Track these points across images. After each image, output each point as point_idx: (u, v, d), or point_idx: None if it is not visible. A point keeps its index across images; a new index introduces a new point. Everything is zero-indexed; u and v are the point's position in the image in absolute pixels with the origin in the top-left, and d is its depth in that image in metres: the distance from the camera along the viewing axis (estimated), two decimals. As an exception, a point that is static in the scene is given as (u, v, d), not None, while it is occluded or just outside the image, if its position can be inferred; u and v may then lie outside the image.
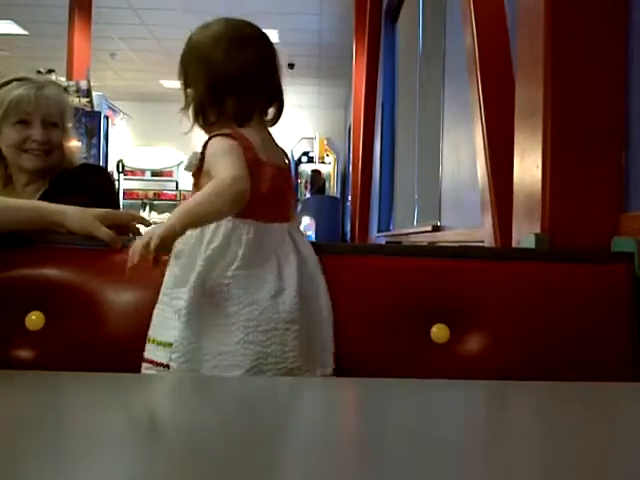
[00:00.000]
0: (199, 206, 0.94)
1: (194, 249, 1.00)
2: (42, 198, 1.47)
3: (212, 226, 0.99)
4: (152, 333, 1.02)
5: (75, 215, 1.13)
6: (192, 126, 1.11)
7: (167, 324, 0.99)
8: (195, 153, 1.04)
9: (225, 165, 0.97)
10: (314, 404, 0.72)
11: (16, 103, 1.47)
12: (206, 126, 1.09)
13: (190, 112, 1.10)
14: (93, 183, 1.58)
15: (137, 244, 0.93)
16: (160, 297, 1.03)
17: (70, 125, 1.59)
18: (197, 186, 1.04)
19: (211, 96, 1.07)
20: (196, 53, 1.09)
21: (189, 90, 1.09)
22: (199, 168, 1.03)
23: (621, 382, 1.03)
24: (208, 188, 0.94)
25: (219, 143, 1.02)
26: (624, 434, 0.59)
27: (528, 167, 1.38)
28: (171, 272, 1.03)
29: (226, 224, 0.99)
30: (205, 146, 1.03)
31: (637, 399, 0.78)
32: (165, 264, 1.02)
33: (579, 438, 0.56)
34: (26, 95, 1.48)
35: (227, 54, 1.07)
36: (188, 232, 0.96)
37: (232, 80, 1.06)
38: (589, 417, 0.65)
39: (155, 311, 1.03)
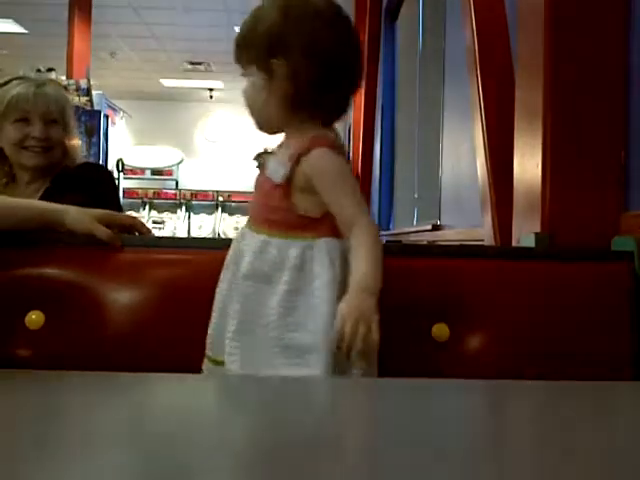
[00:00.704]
0: (379, 260, 0.86)
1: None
2: (44, 196, 1.48)
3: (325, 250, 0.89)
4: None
5: (76, 215, 1.13)
6: (273, 125, 0.93)
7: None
8: (276, 158, 0.90)
9: (354, 199, 0.88)
10: (316, 404, 0.72)
11: (15, 101, 1.48)
12: (291, 125, 0.92)
13: (262, 103, 0.91)
14: (94, 182, 1.58)
15: (354, 336, 0.80)
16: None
17: (71, 123, 1.59)
18: (286, 198, 0.89)
19: (318, 85, 0.89)
20: (296, 27, 0.89)
21: (277, 73, 0.89)
22: (288, 179, 0.88)
23: (622, 381, 1.03)
24: (369, 238, 0.87)
25: (334, 162, 0.89)
26: (624, 433, 0.59)
27: (528, 166, 1.37)
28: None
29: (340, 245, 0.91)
30: (301, 155, 0.88)
31: (637, 398, 0.78)
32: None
33: (579, 438, 0.56)
34: (25, 93, 1.49)
35: (339, 34, 0.91)
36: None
37: (346, 67, 0.91)
38: (589, 417, 0.65)
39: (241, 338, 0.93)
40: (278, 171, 0.89)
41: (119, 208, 1.66)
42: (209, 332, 1.00)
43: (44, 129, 1.50)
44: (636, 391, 0.84)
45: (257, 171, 0.98)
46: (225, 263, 0.98)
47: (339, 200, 0.89)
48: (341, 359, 0.86)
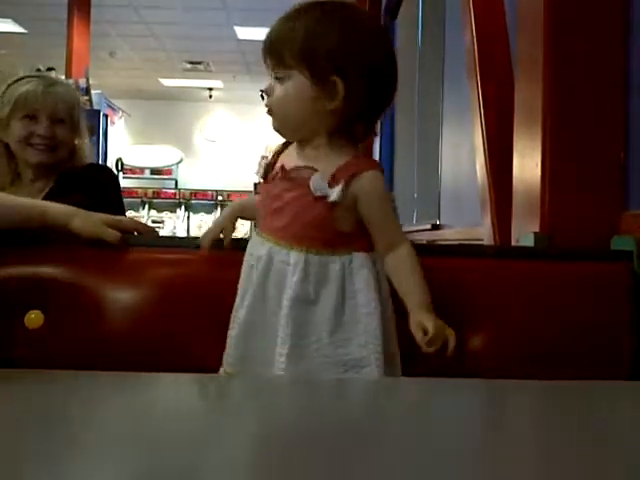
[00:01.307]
0: (423, 279, 0.94)
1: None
2: (48, 195, 1.48)
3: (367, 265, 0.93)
4: None
5: (83, 219, 1.13)
6: (305, 135, 0.92)
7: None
8: (318, 174, 0.88)
9: (397, 223, 0.96)
10: (316, 404, 0.72)
11: (24, 98, 1.50)
12: (328, 139, 0.91)
13: (304, 112, 0.90)
14: (99, 183, 1.59)
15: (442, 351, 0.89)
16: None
17: (81, 123, 1.60)
18: (330, 215, 0.89)
19: (370, 104, 0.90)
20: (357, 47, 0.88)
21: (334, 90, 0.88)
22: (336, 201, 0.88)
23: (621, 380, 1.03)
24: (415, 259, 0.94)
25: (383, 186, 0.92)
26: (623, 433, 0.59)
27: (527, 166, 1.38)
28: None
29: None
30: (354, 175, 0.88)
31: (637, 397, 0.78)
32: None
33: (578, 438, 0.56)
34: (33, 91, 1.50)
35: (388, 52, 0.94)
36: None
37: (393, 84, 0.93)
38: (589, 416, 0.65)
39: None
40: (324, 188, 0.88)
41: (122, 211, 1.66)
42: (231, 350, 0.97)
43: (50, 127, 1.51)
44: (636, 390, 0.84)
45: (257, 173, 0.97)
46: (250, 281, 0.94)
47: (386, 223, 0.94)
48: (391, 372, 0.92)
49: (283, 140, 0.99)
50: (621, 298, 1.14)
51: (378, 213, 0.93)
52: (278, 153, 0.99)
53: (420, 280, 0.94)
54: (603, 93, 1.30)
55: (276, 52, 0.91)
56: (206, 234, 1.11)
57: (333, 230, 0.91)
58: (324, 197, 0.88)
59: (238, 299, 0.98)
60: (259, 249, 0.94)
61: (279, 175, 0.93)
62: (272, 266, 0.92)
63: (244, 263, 0.98)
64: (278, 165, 0.95)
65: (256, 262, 0.94)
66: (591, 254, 1.21)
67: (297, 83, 0.89)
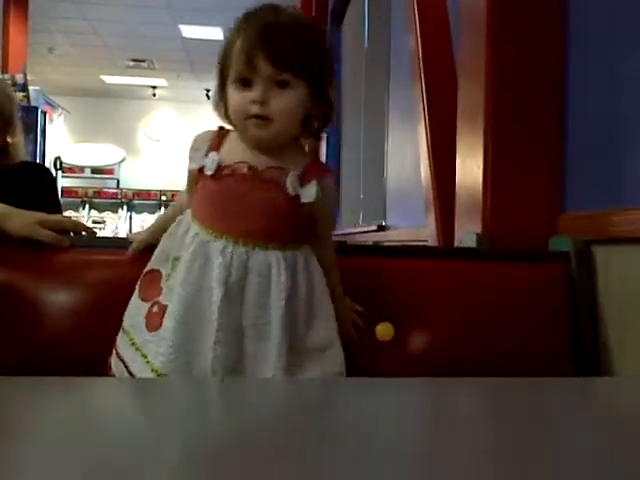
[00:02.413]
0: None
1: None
2: None
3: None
4: None
5: (17, 220, 1.08)
6: (287, 140, 0.94)
7: None
8: (291, 174, 0.91)
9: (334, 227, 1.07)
10: (259, 404, 0.71)
11: None
12: (302, 144, 0.97)
13: (296, 119, 0.92)
14: (32, 182, 1.53)
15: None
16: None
17: (13, 120, 1.53)
18: (302, 214, 0.93)
19: (326, 101, 0.95)
20: (331, 56, 0.97)
21: (326, 98, 0.94)
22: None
23: (557, 377, 1.06)
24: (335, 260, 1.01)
25: (335, 193, 1.00)
26: (557, 429, 0.60)
27: (470, 168, 1.40)
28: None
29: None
30: (320, 177, 0.93)
31: (571, 394, 0.80)
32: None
33: (515, 434, 0.57)
34: None
35: (330, 53, 0.99)
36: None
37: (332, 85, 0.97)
38: (526, 412, 0.67)
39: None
40: (297, 187, 0.91)
41: (59, 210, 1.61)
42: (213, 357, 0.90)
43: None
44: (570, 387, 0.86)
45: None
46: (216, 281, 0.90)
47: (330, 228, 1.04)
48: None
49: (206, 132, 0.99)
50: (558, 297, 1.18)
51: (329, 219, 1.00)
52: (217, 146, 0.96)
53: (337, 275, 1.02)
54: (542, 96, 1.34)
55: (288, 58, 0.89)
56: (135, 246, 1.09)
57: (300, 228, 0.95)
58: (297, 196, 0.91)
59: (183, 305, 0.91)
60: (223, 250, 0.91)
61: (241, 172, 0.92)
62: (250, 269, 0.91)
63: (189, 262, 0.93)
64: (230, 160, 0.93)
65: (222, 265, 0.91)
66: (530, 255, 1.24)
67: (301, 92, 0.91)
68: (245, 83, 0.90)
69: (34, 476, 0.42)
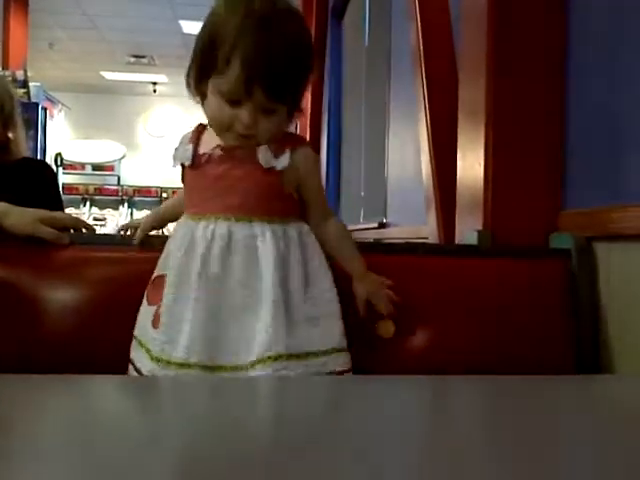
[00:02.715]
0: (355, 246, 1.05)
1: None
2: None
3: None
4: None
5: (17, 217, 1.08)
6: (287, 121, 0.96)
7: None
8: (261, 149, 0.93)
9: (325, 197, 1.05)
10: (255, 403, 0.71)
11: None
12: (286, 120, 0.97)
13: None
14: (34, 178, 1.52)
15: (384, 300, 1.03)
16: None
17: (13, 116, 1.53)
18: (283, 185, 0.95)
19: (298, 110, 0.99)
20: (312, 61, 0.98)
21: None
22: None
23: (558, 375, 1.06)
24: (346, 230, 1.06)
25: (316, 159, 1.03)
26: (557, 427, 0.60)
27: (470, 165, 1.40)
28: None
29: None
30: (294, 148, 0.95)
31: (571, 392, 0.80)
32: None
33: (515, 432, 0.57)
34: None
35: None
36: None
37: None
38: (526, 410, 0.67)
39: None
40: (270, 159, 0.93)
41: (61, 207, 1.60)
42: (196, 337, 0.91)
43: None
44: (571, 384, 0.86)
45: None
46: (202, 263, 0.92)
47: (321, 195, 1.03)
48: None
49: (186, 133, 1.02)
50: (559, 294, 1.18)
51: (315, 185, 1.01)
52: (195, 140, 0.99)
53: (355, 247, 1.05)
54: (544, 93, 1.34)
55: (284, 92, 0.91)
56: (141, 235, 1.12)
57: (284, 199, 0.96)
58: (272, 168, 0.94)
59: (172, 288, 0.94)
60: (205, 229, 0.94)
61: (216, 156, 0.95)
62: (235, 243, 0.93)
63: (174, 251, 0.96)
64: (207, 149, 0.96)
65: (204, 240, 0.93)
66: (531, 252, 1.24)
67: (283, 115, 0.94)
68: (234, 102, 0.90)
69: (35, 473, 0.42)
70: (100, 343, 1.06)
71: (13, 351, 1.04)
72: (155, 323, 0.97)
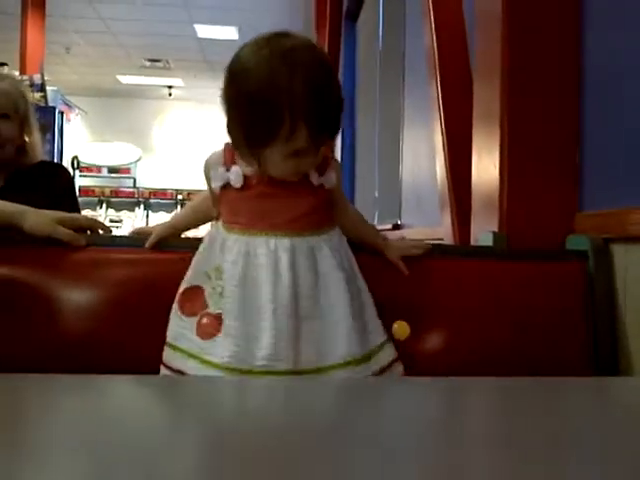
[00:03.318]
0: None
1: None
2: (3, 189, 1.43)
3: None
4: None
5: (35, 218, 1.09)
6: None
7: None
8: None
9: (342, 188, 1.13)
10: (274, 405, 0.71)
11: None
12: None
13: None
14: (52, 182, 1.54)
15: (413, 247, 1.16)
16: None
17: (30, 119, 1.55)
18: (326, 198, 1.03)
19: None
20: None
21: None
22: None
23: (575, 377, 1.05)
24: (362, 216, 1.18)
25: (339, 165, 1.09)
26: (574, 429, 0.60)
27: (486, 166, 1.40)
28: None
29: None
30: (330, 164, 1.02)
31: (589, 394, 0.80)
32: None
33: (530, 435, 0.57)
34: None
35: None
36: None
37: None
38: (542, 412, 0.66)
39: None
40: (318, 179, 1.00)
41: (77, 208, 1.62)
42: (269, 347, 0.93)
43: None
44: (590, 386, 0.86)
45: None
46: (272, 272, 0.95)
47: (340, 189, 1.08)
48: None
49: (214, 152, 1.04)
50: (576, 296, 1.17)
51: (340, 184, 1.06)
52: (232, 161, 1.00)
53: (369, 224, 1.20)
54: (559, 94, 1.33)
55: (334, 127, 0.96)
56: (153, 240, 1.14)
57: (330, 210, 1.04)
58: (321, 185, 1.01)
59: (235, 300, 0.96)
60: (267, 242, 0.97)
61: (262, 180, 0.98)
62: (298, 256, 0.97)
63: (234, 263, 0.97)
64: (247, 170, 0.98)
65: (268, 255, 0.96)
66: (547, 254, 1.23)
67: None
68: (297, 153, 0.93)
69: (50, 473, 0.42)
70: (117, 344, 1.07)
71: (29, 351, 1.05)
72: (206, 334, 0.98)
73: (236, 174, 0.98)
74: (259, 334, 0.94)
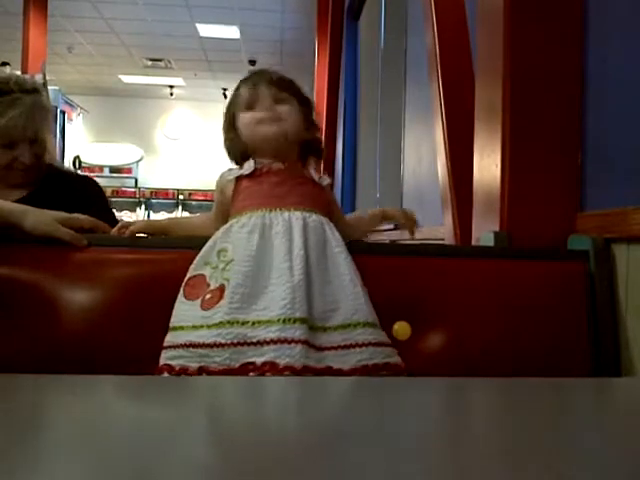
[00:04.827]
0: None
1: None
2: (30, 197, 1.43)
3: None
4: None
5: (36, 217, 1.09)
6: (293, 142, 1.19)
7: None
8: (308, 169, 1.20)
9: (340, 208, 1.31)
10: (270, 403, 0.71)
11: (4, 128, 1.39)
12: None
13: (300, 128, 1.20)
14: (92, 196, 1.55)
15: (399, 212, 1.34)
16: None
17: (49, 128, 1.54)
18: (324, 193, 1.19)
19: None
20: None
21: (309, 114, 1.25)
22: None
23: (576, 377, 1.05)
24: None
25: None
26: (574, 430, 0.60)
27: (487, 166, 1.39)
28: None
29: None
30: (325, 175, 1.23)
31: (589, 395, 0.79)
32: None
33: (532, 435, 0.57)
34: (14, 125, 1.39)
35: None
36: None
37: None
38: (543, 413, 0.66)
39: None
40: (316, 177, 1.18)
41: (114, 219, 1.59)
42: (292, 293, 1.00)
43: (31, 152, 1.44)
44: (591, 387, 0.85)
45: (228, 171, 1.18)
46: (286, 239, 1.06)
47: (339, 209, 1.26)
48: None
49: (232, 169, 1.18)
50: (577, 296, 1.17)
51: (337, 205, 1.26)
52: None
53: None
54: (561, 94, 1.33)
55: (285, 85, 1.19)
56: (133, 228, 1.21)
57: (325, 204, 1.17)
58: (319, 182, 1.18)
59: (249, 262, 1.03)
60: (282, 215, 1.09)
61: (275, 168, 1.14)
62: (308, 227, 1.09)
63: (248, 233, 1.06)
64: (267, 162, 1.15)
65: (286, 225, 1.08)
66: (548, 253, 1.23)
67: (291, 106, 1.18)
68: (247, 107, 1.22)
69: (50, 473, 0.42)
70: (117, 344, 1.07)
71: (30, 351, 1.05)
72: (208, 304, 1.02)
73: (248, 165, 1.14)
74: (271, 289, 1.01)
